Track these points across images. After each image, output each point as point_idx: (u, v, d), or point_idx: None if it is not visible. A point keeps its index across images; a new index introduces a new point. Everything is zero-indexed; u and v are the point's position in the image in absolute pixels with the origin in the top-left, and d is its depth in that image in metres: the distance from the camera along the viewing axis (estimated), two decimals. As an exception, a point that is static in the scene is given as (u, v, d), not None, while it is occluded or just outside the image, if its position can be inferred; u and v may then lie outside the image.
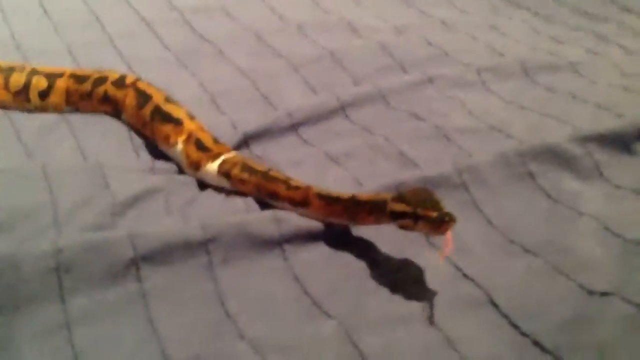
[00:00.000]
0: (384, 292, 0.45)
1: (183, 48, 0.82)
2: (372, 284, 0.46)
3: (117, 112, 0.65)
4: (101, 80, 0.67)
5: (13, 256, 0.43)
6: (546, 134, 0.61)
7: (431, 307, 0.43)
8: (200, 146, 0.58)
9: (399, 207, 0.46)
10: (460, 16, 0.96)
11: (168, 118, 0.61)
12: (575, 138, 0.58)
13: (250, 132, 0.63)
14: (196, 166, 0.57)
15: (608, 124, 0.61)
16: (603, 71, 0.77)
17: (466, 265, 0.46)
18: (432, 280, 0.46)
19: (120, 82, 0.66)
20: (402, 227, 0.46)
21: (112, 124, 0.64)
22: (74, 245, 0.43)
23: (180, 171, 0.59)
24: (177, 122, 0.60)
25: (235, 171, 0.55)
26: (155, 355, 0.39)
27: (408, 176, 0.56)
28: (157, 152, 0.61)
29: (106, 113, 0.66)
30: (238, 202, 0.53)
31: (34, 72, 0.68)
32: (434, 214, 0.43)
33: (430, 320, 0.41)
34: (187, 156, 0.58)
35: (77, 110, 0.67)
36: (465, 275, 0.46)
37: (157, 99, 0.63)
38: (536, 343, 0.39)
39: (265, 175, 0.54)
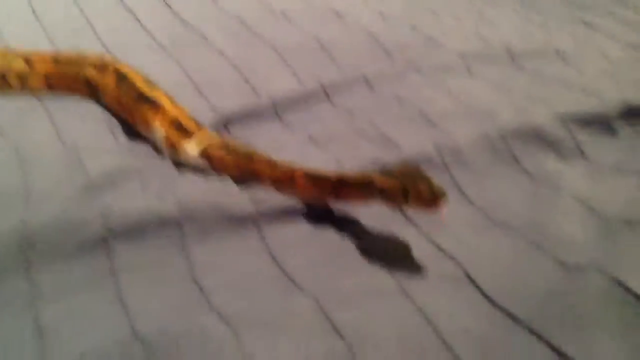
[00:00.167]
0: (361, 268, 0.44)
1: (166, 34, 0.81)
2: (350, 260, 0.45)
3: (97, 96, 0.64)
4: (81, 62, 0.66)
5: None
6: (530, 117, 0.60)
7: (408, 282, 0.42)
8: (180, 129, 0.57)
9: (388, 183, 0.45)
10: (447, 2, 0.96)
11: (148, 102, 0.60)
12: (558, 119, 0.58)
13: (232, 117, 0.63)
14: (176, 148, 0.56)
15: (591, 106, 0.61)
16: (590, 59, 0.77)
17: (446, 243, 0.46)
18: (408, 256, 0.45)
19: (101, 66, 0.65)
20: (391, 204, 0.45)
21: (91, 107, 0.63)
22: (42, 221, 0.43)
23: (159, 153, 0.58)
24: (158, 106, 0.59)
25: (216, 152, 0.54)
26: (124, 331, 0.38)
27: (390, 157, 0.55)
28: (135, 135, 0.60)
29: (86, 96, 0.65)
30: (216, 182, 0.53)
31: (13, 55, 0.67)
32: (425, 190, 0.43)
33: (406, 295, 0.41)
34: (167, 139, 0.57)
35: (57, 93, 0.66)
36: (444, 253, 0.45)
37: (138, 82, 0.62)
38: (511, 316, 0.39)
39: (248, 155, 0.53)
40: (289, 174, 0.50)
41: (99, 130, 0.60)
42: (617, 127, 0.59)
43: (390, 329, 0.38)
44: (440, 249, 0.45)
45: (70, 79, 0.65)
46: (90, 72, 0.65)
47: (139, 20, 0.86)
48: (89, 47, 0.76)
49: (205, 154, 0.54)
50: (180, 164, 0.56)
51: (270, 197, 0.49)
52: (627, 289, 0.39)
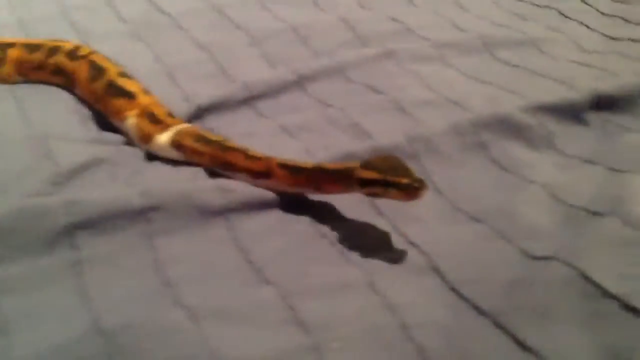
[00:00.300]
0: (328, 259, 0.44)
1: (140, 20, 0.81)
2: (317, 251, 0.45)
3: (69, 84, 0.64)
4: (54, 50, 0.65)
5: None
6: (501, 107, 0.60)
7: (374, 273, 0.42)
8: (152, 119, 0.56)
9: (368, 174, 0.44)
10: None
11: (121, 92, 0.59)
12: (529, 108, 0.58)
13: (205, 105, 0.62)
14: (147, 139, 0.56)
15: (563, 96, 0.61)
16: (563, 48, 0.77)
17: (412, 232, 0.46)
18: (377, 247, 0.45)
19: (74, 54, 0.64)
20: (370, 194, 0.45)
21: (62, 95, 0.63)
22: (4, 211, 0.42)
23: (129, 144, 0.57)
24: (131, 96, 0.58)
25: (189, 142, 0.53)
26: (86, 324, 0.37)
27: (360, 146, 0.55)
28: (105, 125, 0.59)
29: (58, 85, 0.64)
30: (186, 172, 0.52)
31: (-17, 42, 0.66)
32: (405, 180, 0.43)
33: (371, 286, 0.41)
34: (139, 129, 0.56)
35: (28, 80, 0.65)
36: (410, 242, 0.45)
37: (111, 72, 0.61)
38: (475, 307, 0.39)
39: (221, 145, 0.52)
40: (265, 165, 0.49)
41: (70, 120, 0.59)
42: (588, 117, 0.60)
43: (355, 320, 0.38)
44: (407, 239, 0.45)
45: (42, 66, 0.64)
46: (63, 60, 0.64)
47: (113, 7, 0.85)
48: (63, 34, 0.75)
49: (178, 145, 0.54)
50: (152, 156, 0.55)
51: (240, 187, 0.49)
52: (590, 280, 0.39)
